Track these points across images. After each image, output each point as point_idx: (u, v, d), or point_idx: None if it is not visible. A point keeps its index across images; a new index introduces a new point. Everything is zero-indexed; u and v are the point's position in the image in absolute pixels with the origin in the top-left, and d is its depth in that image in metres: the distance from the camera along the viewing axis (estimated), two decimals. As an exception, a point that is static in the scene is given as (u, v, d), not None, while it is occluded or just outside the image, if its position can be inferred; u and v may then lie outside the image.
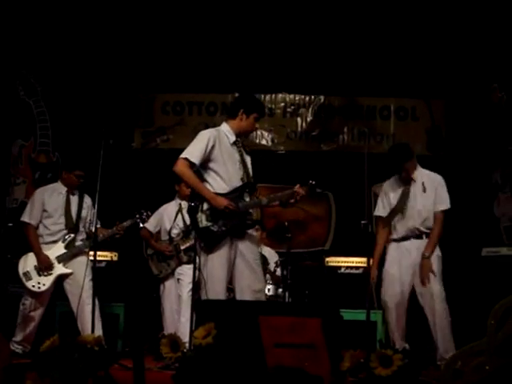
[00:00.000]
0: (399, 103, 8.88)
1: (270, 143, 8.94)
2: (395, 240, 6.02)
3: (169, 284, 6.90)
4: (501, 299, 3.43)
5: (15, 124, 8.54)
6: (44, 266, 6.36)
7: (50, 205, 6.52)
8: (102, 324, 6.20)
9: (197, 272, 5.47)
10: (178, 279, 6.78)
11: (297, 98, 9.01)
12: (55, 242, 6.48)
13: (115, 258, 7.58)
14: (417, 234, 5.94)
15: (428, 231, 5.93)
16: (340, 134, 8.90)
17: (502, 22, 7.75)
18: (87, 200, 6.70)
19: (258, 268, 5.17)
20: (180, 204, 6.96)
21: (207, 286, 4.94)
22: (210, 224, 4.96)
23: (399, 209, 6.00)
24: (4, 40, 8.15)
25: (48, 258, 6.39)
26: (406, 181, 6.06)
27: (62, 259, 6.43)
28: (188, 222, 6.74)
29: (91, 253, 6.36)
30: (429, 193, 6.00)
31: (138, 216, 6.79)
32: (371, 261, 5.90)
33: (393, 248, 6.03)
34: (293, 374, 3.46)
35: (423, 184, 6.02)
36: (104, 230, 6.57)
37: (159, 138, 8.97)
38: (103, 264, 7.45)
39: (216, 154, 5.09)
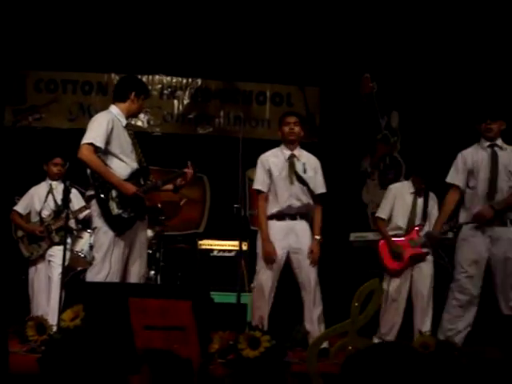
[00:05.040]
0: (275, 89, 9.03)
1: (145, 125, 8.87)
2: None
3: (40, 266, 6.75)
4: (366, 282, 3.58)
5: None
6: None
7: None
8: None
9: (68, 253, 5.41)
10: (49, 261, 6.65)
11: (174, 81, 8.98)
12: None
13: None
14: (292, 214, 5.66)
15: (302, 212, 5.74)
16: (216, 118, 8.95)
17: (376, 10, 7.98)
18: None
19: (145, 253, 5.27)
20: (50, 184, 6.83)
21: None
22: (121, 211, 4.94)
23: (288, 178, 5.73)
24: None
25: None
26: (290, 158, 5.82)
27: None
28: (59, 202, 6.64)
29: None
30: (309, 174, 5.81)
31: None
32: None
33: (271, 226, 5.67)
34: (162, 356, 3.47)
35: (304, 165, 5.82)
36: None
37: (31, 117, 8.72)
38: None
39: (114, 137, 5.03)
